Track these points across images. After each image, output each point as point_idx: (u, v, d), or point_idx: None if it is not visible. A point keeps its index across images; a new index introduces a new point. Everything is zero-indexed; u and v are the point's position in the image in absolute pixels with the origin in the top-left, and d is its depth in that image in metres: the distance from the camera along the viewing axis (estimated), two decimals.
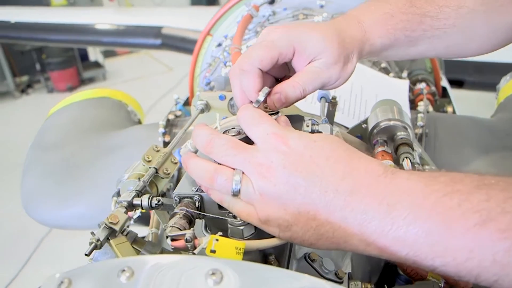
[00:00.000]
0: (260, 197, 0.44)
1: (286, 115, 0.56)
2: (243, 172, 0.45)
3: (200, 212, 0.49)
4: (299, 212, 0.43)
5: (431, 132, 0.97)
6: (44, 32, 2.73)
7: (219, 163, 0.47)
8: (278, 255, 0.53)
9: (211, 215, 0.50)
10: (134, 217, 0.70)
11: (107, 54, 6.40)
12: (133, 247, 0.53)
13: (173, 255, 0.45)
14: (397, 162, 0.63)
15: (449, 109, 1.22)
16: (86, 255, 0.44)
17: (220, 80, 0.96)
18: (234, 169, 0.46)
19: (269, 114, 0.56)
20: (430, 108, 1.14)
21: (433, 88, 1.26)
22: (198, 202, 0.50)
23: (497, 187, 0.38)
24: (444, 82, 1.42)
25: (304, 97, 0.57)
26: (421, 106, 1.05)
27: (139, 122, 1.37)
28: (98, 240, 0.45)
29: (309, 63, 0.57)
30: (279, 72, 0.61)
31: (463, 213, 0.37)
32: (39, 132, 1.22)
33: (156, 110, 4.40)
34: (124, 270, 0.35)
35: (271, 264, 0.51)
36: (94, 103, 1.27)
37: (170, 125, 1.07)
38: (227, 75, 1.04)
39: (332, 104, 0.72)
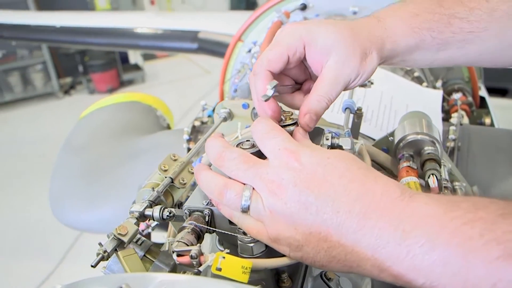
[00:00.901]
0: (270, 214, 0.43)
1: None
2: (253, 188, 0.44)
3: (209, 227, 0.48)
4: (310, 233, 0.41)
5: (464, 146, 0.91)
6: (87, 36, 2.81)
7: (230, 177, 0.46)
8: (292, 273, 0.51)
9: (220, 230, 0.49)
10: (152, 225, 0.70)
11: (147, 57, 6.54)
12: (146, 257, 0.53)
13: (175, 274, 0.44)
14: (423, 178, 0.60)
15: (487, 120, 1.15)
16: (92, 266, 0.44)
17: (244, 88, 0.95)
18: (244, 184, 0.45)
19: (287, 125, 0.55)
20: (466, 120, 1.09)
21: (470, 99, 1.20)
22: (208, 216, 0.49)
23: None
24: (483, 92, 1.35)
25: (331, 104, 0.55)
26: (454, 118, 1.00)
27: (168, 127, 1.38)
28: (105, 251, 0.45)
29: (322, 68, 0.54)
30: (299, 75, 0.59)
31: (485, 244, 0.34)
32: (69, 135, 1.25)
33: (193, 113, 4.45)
34: None
35: (284, 283, 0.50)
36: (123, 107, 1.29)
37: (195, 132, 1.06)
38: None
39: (357, 115, 0.70)
